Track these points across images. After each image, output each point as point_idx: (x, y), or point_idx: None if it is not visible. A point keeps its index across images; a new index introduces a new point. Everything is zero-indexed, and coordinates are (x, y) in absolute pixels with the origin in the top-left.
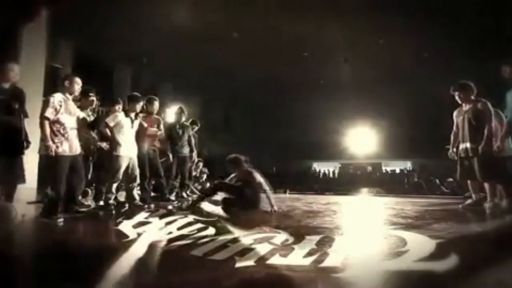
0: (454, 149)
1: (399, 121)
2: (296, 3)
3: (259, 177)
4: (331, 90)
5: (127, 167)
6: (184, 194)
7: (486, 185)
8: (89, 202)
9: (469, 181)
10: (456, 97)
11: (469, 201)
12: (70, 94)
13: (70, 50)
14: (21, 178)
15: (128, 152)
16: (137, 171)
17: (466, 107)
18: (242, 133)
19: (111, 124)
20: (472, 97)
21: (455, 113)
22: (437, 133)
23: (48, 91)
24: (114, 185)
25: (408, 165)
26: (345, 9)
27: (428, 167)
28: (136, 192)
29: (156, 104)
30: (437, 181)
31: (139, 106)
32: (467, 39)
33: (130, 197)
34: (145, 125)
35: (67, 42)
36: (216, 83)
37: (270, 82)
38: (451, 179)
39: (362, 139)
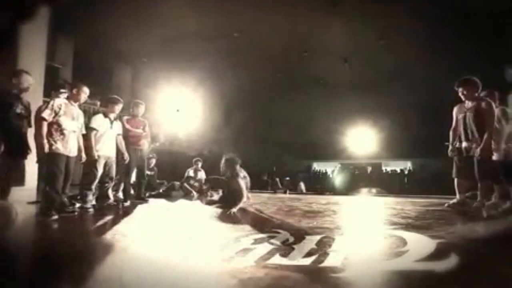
0: (453, 146)
1: (399, 121)
2: (296, 2)
3: (241, 182)
4: (330, 90)
5: (104, 167)
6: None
7: (479, 185)
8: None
9: (456, 180)
10: (460, 93)
11: (454, 200)
12: (75, 101)
13: (70, 49)
14: (21, 180)
15: (106, 152)
16: (114, 171)
17: (468, 104)
18: (242, 133)
19: (95, 126)
20: (476, 95)
21: (455, 109)
22: (437, 133)
23: (48, 91)
24: (93, 185)
25: (408, 165)
26: (345, 8)
27: (428, 167)
28: (111, 192)
29: (142, 108)
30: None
31: (117, 108)
32: (469, 39)
33: (104, 197)
34: (128, 127)
35: (67, 42)
36: (215, 83)
37: (270, 82)
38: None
39: (362, 139)
